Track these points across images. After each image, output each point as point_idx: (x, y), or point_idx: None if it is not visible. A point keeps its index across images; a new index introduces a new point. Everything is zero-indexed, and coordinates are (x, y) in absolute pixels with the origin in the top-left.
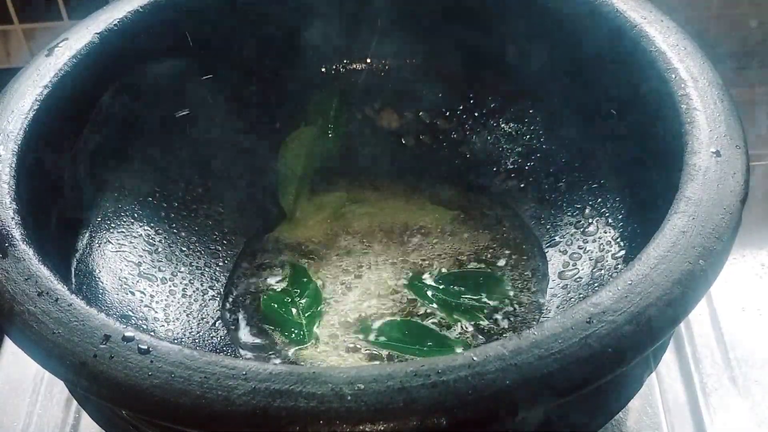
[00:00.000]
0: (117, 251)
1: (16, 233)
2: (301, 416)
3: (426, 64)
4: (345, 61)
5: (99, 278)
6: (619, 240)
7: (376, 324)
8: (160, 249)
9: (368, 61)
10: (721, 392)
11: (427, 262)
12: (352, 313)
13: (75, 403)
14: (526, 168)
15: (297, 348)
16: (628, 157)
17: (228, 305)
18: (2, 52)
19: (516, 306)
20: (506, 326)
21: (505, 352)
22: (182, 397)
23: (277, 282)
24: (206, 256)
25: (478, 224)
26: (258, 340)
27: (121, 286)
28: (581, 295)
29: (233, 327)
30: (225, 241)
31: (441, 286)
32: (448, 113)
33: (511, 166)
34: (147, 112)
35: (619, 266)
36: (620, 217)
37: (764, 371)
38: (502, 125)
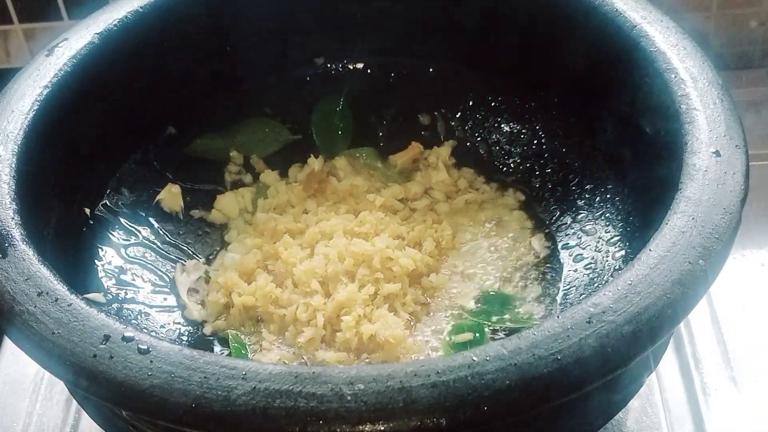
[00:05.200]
0: (116, 249)
1: (16, 233)
2: (300, 416)
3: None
4: (345, 62)
5: (97, 276)
6: (619, 240)
7: None
8: (156, 247)
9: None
10: (721, 392)
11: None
12: None
13: (75, 403)
14: (526, 168)
15: None
16: (628, 158)
17: None
18: (2, 52)
19: (517, 306)
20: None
21: (505, 352)
22: (182, 397)
23: None
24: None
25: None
26: None
27: (119, 283)
28: (581, 295)
29: None
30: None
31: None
32: (449, 113)
33: (512, 167)
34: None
35: (619, 266)
36: (620, 217)
37: (764, 371)
38: (503, 126)
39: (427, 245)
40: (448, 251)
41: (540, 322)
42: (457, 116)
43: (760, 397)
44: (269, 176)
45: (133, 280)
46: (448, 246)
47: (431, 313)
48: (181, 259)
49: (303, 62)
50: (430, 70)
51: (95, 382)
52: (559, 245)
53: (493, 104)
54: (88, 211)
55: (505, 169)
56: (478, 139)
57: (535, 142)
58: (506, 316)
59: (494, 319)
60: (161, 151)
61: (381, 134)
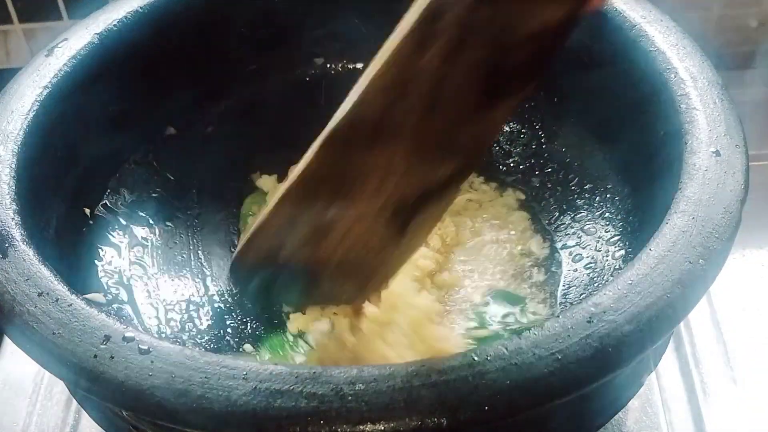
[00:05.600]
0: (116, 249)
1: (16, 233)
2: (301, 416)
3: None
4: (345, 62)
5: (97, 276)
6: (619, 240)
7: None
8: (158, 248)
9: None
10: (721, 392)
11: None
12: None
13: (75, 403)
14: (526, 168)
15: None
16: (628, 157)
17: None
18: (2, 52)
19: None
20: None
21: (506, 351)
22: (183, 398)
23: None
24: (195, 261)
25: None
26: None
27: (119, 283)
28: (581, 295)
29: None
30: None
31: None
32: None
33: (512, 166)
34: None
35: (619, 266)
36: (620, 216)
37: (764, 371)
38: (503, 126)
39: (434, 242)
40: (453, 248)
41: (542, 321)
42: None
43: (760, 397)
44: (266, 182)
45: (134, 280)
46: (453, 243)
47: (446, 312)
48: (177, 258)
49: (303, 62)
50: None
51: (96, 383)
52: (559, 245)
53: None
54: (88, 211)
55: (504, 169)
56: None
57: (535, 142)
58: (516, 313)
59: (504, 315)
60: (161, 151)
61: None
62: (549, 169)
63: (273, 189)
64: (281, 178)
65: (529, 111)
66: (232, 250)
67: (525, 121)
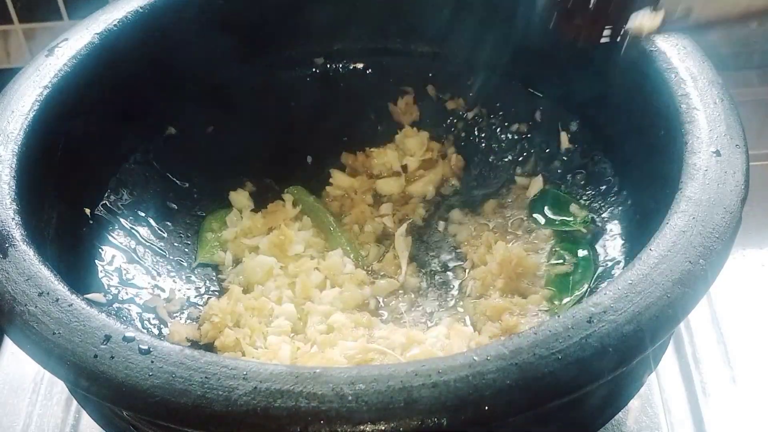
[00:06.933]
0: (116, 249)
1: (17, 233)
2: (301, 416)
3: None
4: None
5: (98, 276)
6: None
7: None
8: (156, 248)
9: None
10: (721, 392)
11: None
12: None
13: (75, 403)
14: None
15: None
16: (629, 157)
17: None
18: (2, 52)
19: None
20: None
21: (506, 351)
22: (183, 397)
23: None
24: (195, 261)
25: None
26: None
27: (119, 283)
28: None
29: None
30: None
31: None
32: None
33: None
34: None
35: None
36: (621, 216)
37: (764, 371)
38: (504, 125)
39: None
40: None
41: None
42: (465, 118)
43: (760, 397)
44: (239, 196)
45: (134, 280)
46: None
47: None
48: (177, 259)
49: (303, 62)
50: (430, 75)
51: (96, 383)
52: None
53: (496, 104)
54: (88, 211)
55: (509, 170)
56: (479, 138)
57: (536, 142)
58: None
59: None
60: (161, 151)
61: (380, 130)
62: (549, 170)
63: (245, 205)
64: (282, 175)
65: (530, 111)
66: None
67: (525, 121)
